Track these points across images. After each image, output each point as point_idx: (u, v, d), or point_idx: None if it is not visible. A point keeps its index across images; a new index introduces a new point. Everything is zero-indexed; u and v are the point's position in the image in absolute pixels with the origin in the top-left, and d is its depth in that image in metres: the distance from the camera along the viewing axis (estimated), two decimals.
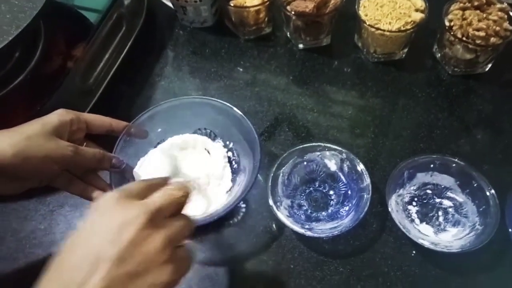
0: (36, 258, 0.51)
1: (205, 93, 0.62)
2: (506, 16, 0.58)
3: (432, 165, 0.50)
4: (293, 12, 0.60)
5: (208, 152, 0.55)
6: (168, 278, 0.31)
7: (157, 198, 0.33)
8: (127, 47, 0.62)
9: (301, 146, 0.51)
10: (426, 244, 0.44)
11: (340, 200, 0.50)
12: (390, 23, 0.59)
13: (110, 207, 0.32)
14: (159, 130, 0.55)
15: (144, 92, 0.63)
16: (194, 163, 0.54)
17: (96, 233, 0.31)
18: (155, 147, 0.54)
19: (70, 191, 0.47)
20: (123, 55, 0.61)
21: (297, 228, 0.46)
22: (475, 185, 0.48)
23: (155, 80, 0.64)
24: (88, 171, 0.48)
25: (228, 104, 0.53)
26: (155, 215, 0.32)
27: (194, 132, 0.56)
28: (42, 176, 0.45)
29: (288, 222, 0.47)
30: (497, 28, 0.56)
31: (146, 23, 0.66)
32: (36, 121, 0.43)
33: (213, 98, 0.55)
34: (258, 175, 0.49)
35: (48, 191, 0.54)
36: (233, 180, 0.53)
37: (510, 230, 0.44)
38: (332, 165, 0.52)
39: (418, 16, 0.59)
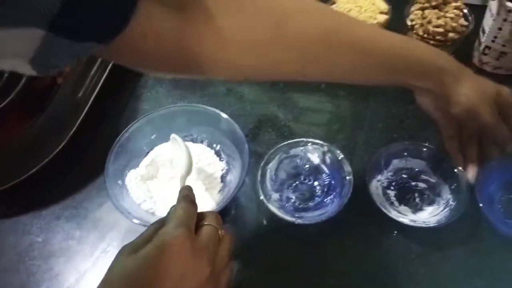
0: (37, 270, 0.52)
1: (190, 102, 0.65)
2: (461, 13, 0.63)
3: (405, 152, 0.54)
4: None
5: (197, 157, 0.58)
6: None
7: (224, 254, 0.38)
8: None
9: (285, 143, 0.55)
10: (406, 221, 0.48)
11: (325, 190, 0.54)
12: None
13: (173, 256, 0.34)
14: (147, 140, 0.57)
15: (130, 104, 0.66)
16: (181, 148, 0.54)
17: (158, 279, 0.33)
18: (145, 156, 0.57)
19: (446, 138, 0.52)
20: (109, 68, 0.63)
21: (288, 217, 0.50)
22: (445, 166, 0.52)
23: (141, 92, 0.67)
24: (473, 140, 0.52)
25: (212, 108, 0.56)
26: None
27: (183, 139, 0.59)
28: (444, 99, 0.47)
29: (279, 213, 0.50)
30: (454, 24, 0.62)
31: None
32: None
33: (198, 105, 0.58)
34: (246, 173, 0.52)
35: (42, 205, 0.56)
36: (223, 181, 0.56)
37: (480, 205, 0.49)
38: (315, 158, 0.56)
39: (383, 18, 0.64)
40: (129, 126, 0.55)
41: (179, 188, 0.42)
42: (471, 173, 0.51)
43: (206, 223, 0.38)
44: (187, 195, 0.40)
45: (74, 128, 0.58)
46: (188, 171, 0.47)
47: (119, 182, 0.52)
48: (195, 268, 0.34)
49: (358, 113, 0.63)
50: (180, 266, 0.34)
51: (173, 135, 0.51)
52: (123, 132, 0.54)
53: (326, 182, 0.55)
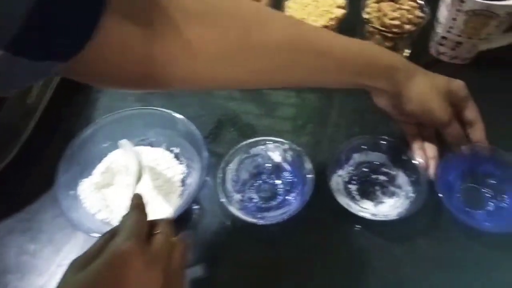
0: None
1: (147, 104, 0.63)
2: (416, 5, 0.64)
3: (365, 145, 0.54)
4: None
5: (155, 162, 0.56)
6: None
7: (177, 262, 0.37)
8: None
9: (245, 142, 0.54)
10: (367, 216, 0.48)
11: (287, 188, 0.53)
12: (315, 20, 0.63)
13: (125, 269, 0.32)
14: (103, 146, 0.55)
15: (85, 110, 0.63)
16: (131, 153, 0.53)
17: None
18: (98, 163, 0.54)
19: (403, 127, 0.55)
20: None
21: (250, 219, 0.49)
22: (404, 158, 0.52)
23: (96, 96, 0.65)
24: (430, 134, 0.54)
25: (168, 111, 0.55)
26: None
27: (138, 144, 0.57)
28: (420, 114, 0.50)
29: (240, 214, 0.49)
30: (410, 16, 0.62)
31: None
32: (444, 77, 0.51)
33: (153, 107, 0.56)
34: (207, 176, 0.51)
35: None
36: (184, 184, 0.54)
37: (440, 195, 0.49)
38: (276, 157, 0.55)
39: (340, 12, 0.64)
40: (80, 133, 0.52)
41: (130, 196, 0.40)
42: (431, 169, 0.51)
43: (158, 231, 0.37)
44: (136, 204, 0.39)
45: (26, 136, 0.56)
46: (138, 178, 0.45)
47: (71, 192, 0.50)
48: (148, 280, 0.33)
49: (318, 110, 0.63)
50: (132, 280, 0.32)
51: (121, 141, 0.50)
52: (74, 139, 0.52)
53: (289, 180, 0.54)
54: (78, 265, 0.34)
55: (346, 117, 0.62)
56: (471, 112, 0.50)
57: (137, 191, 0.47)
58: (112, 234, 0.36)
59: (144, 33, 0.33)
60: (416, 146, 0.53)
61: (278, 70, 0.42)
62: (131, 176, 0.46)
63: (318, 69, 0.44)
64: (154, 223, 0.38)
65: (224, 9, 0.37)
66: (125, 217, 0.37)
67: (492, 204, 0.51)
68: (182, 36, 0.34)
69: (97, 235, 0.46)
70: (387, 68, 0.46)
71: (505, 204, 0.50)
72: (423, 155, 0.52)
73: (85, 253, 0.35)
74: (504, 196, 0.50)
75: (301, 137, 0.60)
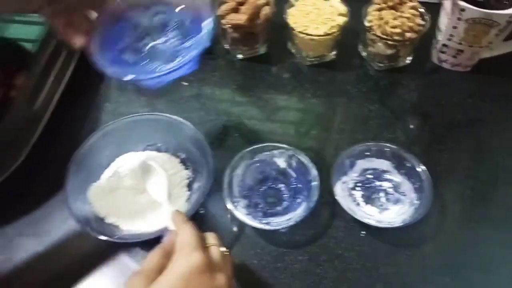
0: None
1: (152, 110, 0.64)
2: (417, 13, 0.65)
3: (369, 152, 0.55)
4: (228, 25, 0.64)
5: (162, 167, 0.57)
6: None
7: (230, 271, 0.41)
8: (70, 71, 0.62)
9: (250, 148, 0.55)
10: (372, 222, 0.49)
11: (292, 194, 0.54)
12: (317, 28, 0.64)
13: (197, 278, 0.37)
14: (109, 151, 0.56)
15: (91, 114, 0.64)
16: (152, 179, 0.55)
17: None
18: (106, 168, 0.55)
19: (52, 23, 0.41)
20: (66, 79, 0.61)
21: (256, 224, 0.49)
22: (408, 165, 0.53)
23: (101, 101, 0.65)
24: (76, 6, 0.41)
25: (174, 116, 0.55)
26: None
27: (145, 149, 0.57)
28: None
29: (247, 220, 0.50)
30: (411, 24, 0.63)
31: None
32: None
33: (160, 113, 0.57)
34: (213, 180, 0.51)
35: (4, 221, 0.54)
36: (190, 189, 0.55)
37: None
38: (282, 163, 0.55)
39: (342, 20, 0.65)
40: (88, 139, 0.53)
41: (163, 212, 0.46)
42: (80, 40, 0.42)
43: (211, 243, 0.41)
44: (183, 219, 0.43)
45: (33, 141, 0.56)
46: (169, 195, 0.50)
47: (81, 196, 0.51)
48: (219, 282, 0.38)
49: (322, 115, 0.64)
50: (208, 285, 0.37)
51: (148, 163, 0.53)
52: (82, 145, 0.52)
53: (293, 186, 0.55)
54: (139, 284, 0.37)
55: (349, 123, 0.63)
56: None
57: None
58: (165, 251, 0.40)
59: None
60: (61, 25, 0.42)
61: None
62: (163, 193, 0.50)
63: None
64: (203, 236, 0.41)
65: None
66: (180, 232, 0.41)
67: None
68: None
69: (105, 238, 0.47)
70: None
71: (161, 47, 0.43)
72: (73, 35, 0.41)
73: (141, 272, 0.38)
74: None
75: (305, 142, 0.61)
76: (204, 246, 0.40)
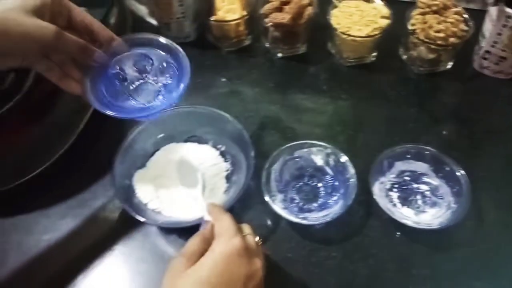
0: (42, 270, 0.52)
1: (193, 103, 0.65)
2: (461, 18, 0.65)
3: (408, 154, 0.55)
4: (271, 24, 0.65)
5: (203, 158, 0.58)
6: None
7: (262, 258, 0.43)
8: None
9: (289, 144, 0.56)
10: (410, 223, 0.49)
11: (329, 191, 0.55)
12: (360, 29, 0.65)
13: (236, 260, 0.39)
14: (153, 140, 0.58)
15: None
16: (192, 169, 0.56)
17: (229, 281, 0.38)
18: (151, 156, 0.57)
19: (48, 77, 0.46)
20: None
21: (292, 218, 0.50)
22: (447, 169, 0.53)
23: None
24: (67, 60, 0.46)
25: (219, 111, 0.57)
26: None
27: (186, 141, 0.59)
28: (21, 55, 0.43)
29: (284, 213, 0.51)
30: (455, 29, 0.63)
31: None
32: None
33: (202, 106, 0.58)
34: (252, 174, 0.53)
35: (48, 204, 0.57)
36: (229, 181, 0.56)
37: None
38: (319, 160, 0.56)
39: (384, 22, 0.65)
40: (136, 127, 0.55)
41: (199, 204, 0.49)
42: (78, 88, 0.46)
43: (246, 233, 0.43)
44: (220, 209, 0.46)
45: (80, 128, 0.58)
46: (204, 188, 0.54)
47: (126, 181, 0.53)
48: (256, 267, 0.41)
49: (360, 116, 0.64)
50: (244, 267, 0.39)
51: (186, 157, 0.56)
52: (130, 133, 0.54)
53: (330, 184, 0.55)
54: (180, 265, 0.39)
55: (387, 125, 0.63)
56: (80, 16, 0.45)
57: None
58: (204, 238, 0.42)
59: None
60: (57, 78, 0.46)
61: None
62: (199, 187, 0.53)
63: None
64: (239, 226, 0.44)
65: None
66: (218, 221, 0.43)
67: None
68: None
69: (149, 222, 0.50)
70: None
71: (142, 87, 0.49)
72: (69, 84, 0.46)
73: (183, 255, 0.41)
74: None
75: (341, 142, 0.61)
76: (241, 234, 0.42)
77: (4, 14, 0.39)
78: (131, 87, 0.49)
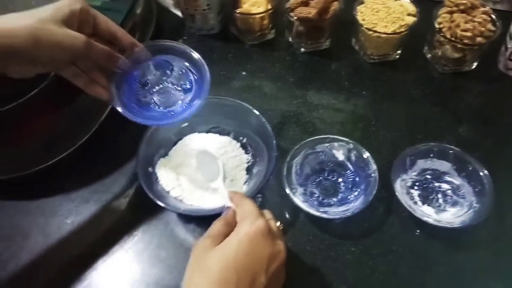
0: (63, 252, 0.53)
1: (215, 95, 0.66)
2: (489, 18, 0.64)
3: (431, 153, 0.55)
4: (296, 18, 0.65)
5: (224, 149, 0.59)
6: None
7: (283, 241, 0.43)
8: None
9: (311, 139, 0.56)
10: (431, 221, 0.49)
11: (349, 187, 0.55)
12: (386, 26, 0.64)
13: (260, 240, 0.40)
14: (177, 130, 0.58)
15: None
16: (213, 159, 0.57)
17: (254, 260, 0.39)
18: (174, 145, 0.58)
19: (75, 82, 0.48)
20: None
21: (313, 211, 0.51)
22: (470, 168, 0.53)
23: None
24: (93, 67, 0.47)
25: (243, 103, 0.57)
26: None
27: (209, 131, 0.60)
28: (52, 63, 0.44)
29: (304, 206, 0.51)
30: (482, 29, 0.62)
31: (156, 30, 0.70)
32: (48, 6, 0.42)
33: (225, 97, 0.59)
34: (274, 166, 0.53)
35: (72, 189, 0.58)
36: (249, 173, 0.57)
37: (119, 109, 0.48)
38: (340, 155, 0.56)
39: (411, 20, 0.65)
40: None
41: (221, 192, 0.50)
42: (106, 94, 0.48)
43: (268, 218, 0.44)
44: (242, 195, 0.47)
45: (104, 116, 0.59)
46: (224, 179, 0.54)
47: (150, 169, 0.54)
48: (279, 247, 0.42)
49: (382, 113, 0.64)
50: (268, 248, 0.40)
51: (207, 149, 0.57)
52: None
53: (351, 179, 0.56)
54: (206, 245, 0.41)
55: (409, 123, 0.63)
56: (105, 23, 0.46)
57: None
58: (227, 221, 0.44)
59: None
60: (84, 83, 0.48)
61: None
62: (220, 177, 0.53)
63: None
64: (261, 211, 0.44)
65: None
66: (241, 207, 0.45)
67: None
68: None
69: (172, 209, 0.51)
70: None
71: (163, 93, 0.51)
72: (96, 90, 0.48)
73: (208, 236, 0.42)
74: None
75: (362, 138, 0.61)
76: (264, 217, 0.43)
77: (36, 24, 0.40)
78: (151, 92, 0.52)
